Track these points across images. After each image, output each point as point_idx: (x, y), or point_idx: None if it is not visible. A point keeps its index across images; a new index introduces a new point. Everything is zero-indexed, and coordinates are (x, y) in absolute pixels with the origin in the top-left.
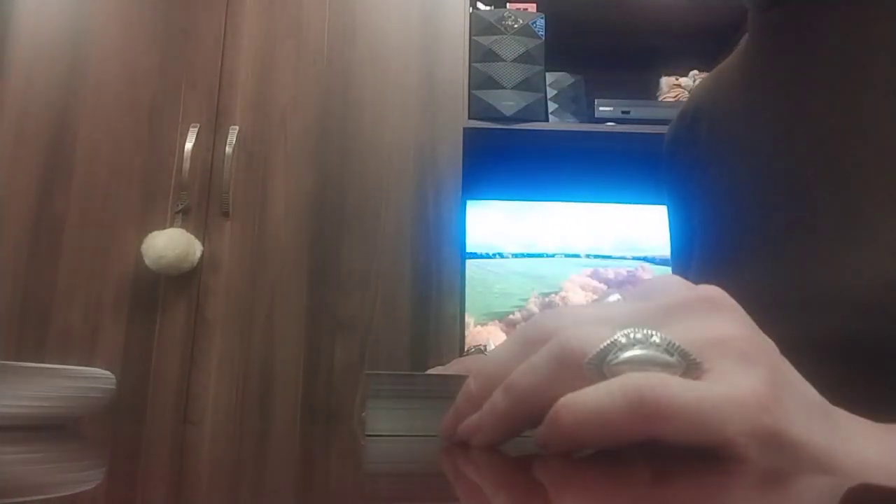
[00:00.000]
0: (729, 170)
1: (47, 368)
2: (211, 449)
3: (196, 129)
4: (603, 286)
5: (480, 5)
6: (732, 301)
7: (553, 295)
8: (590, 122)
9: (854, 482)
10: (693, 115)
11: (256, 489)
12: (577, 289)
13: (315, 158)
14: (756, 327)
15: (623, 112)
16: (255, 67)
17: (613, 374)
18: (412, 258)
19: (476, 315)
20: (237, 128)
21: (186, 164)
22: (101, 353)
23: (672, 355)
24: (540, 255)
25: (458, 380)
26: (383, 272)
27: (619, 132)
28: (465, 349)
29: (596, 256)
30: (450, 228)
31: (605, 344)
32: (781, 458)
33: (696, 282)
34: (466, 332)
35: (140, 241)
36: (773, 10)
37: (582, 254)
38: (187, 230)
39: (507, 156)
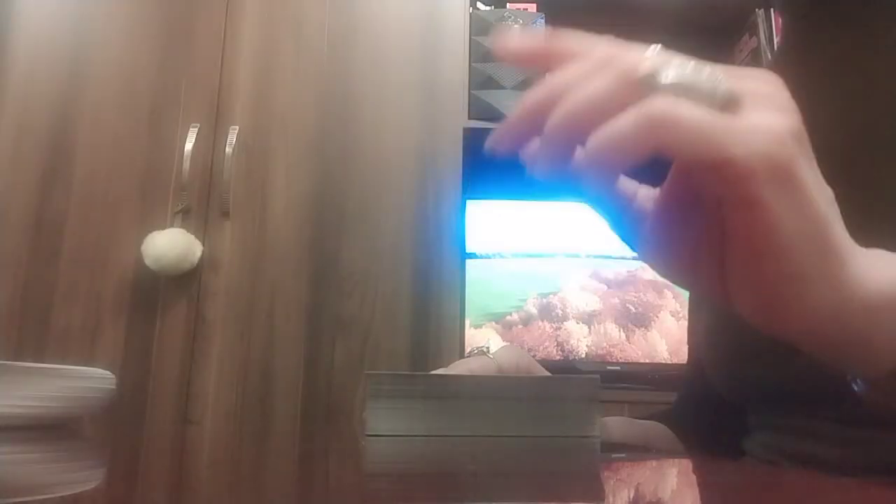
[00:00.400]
0: None
1: (47, 368)
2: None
3: (196, 129)
4: (601, 286)
5: (480, 5)
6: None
7: (552, 295)
8: None
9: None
10: None
11: (256, 489)
12: (577, 289)
13: (315, 158)
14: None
15: None
16: (255, 67)
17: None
18: (412, 258)
19: (472, 317)
20: (237, 128)
21: (186, 164)
22: (101, 353)
23: (715, 85)
24: (539, 255)
25: (458, 380)
26: (383, 272)
27: None
28: (467, 351)
29: (596, 256)
30: (450, 228)
31: (660, 62)
32: (783, 200)
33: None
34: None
35: (140, 241)
36: (802, 20)
37: (582, 254)
38: (187, 230)
39: (507, 156)
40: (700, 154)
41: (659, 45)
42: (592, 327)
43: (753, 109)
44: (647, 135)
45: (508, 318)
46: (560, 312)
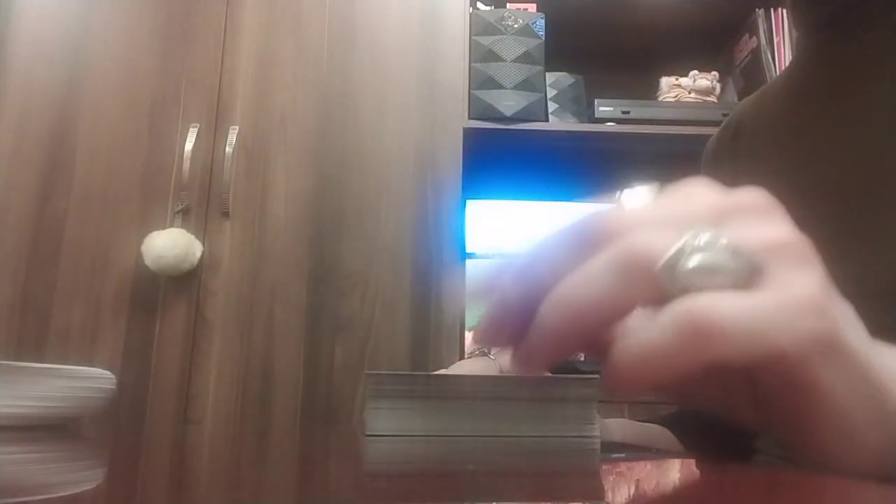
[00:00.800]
0: (776, 180)
1: (47, 368)
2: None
3: (196, 129)
4: None
5: (480, 5)
6: (779, 204)
7: None
8: (590, 122)
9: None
10: (735, 129)
11: (256, 489)
12: None
13: (315, 158)
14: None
15: (623, 112)
16: (255, 67)
17: (683, 283)
18: (412, 258)
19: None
20: (237, 128)
21: (186, 164)
22: (101, 353)
23: (738, 260)
24: None
25: (458, 380)
26: (383, 272)
27: (619, 132)
28: (468, 353)
29: None
30: (450, 228)
31: (675, 249)
32: (834, 367)
33: None
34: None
35: (140, 241)
36: (821, 33)
37: None
38: (187, 230)
39: (507, 156)
40: (753, 354)
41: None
42: None
43: (778, 273)
44: (695, 347)
45: None
46: None
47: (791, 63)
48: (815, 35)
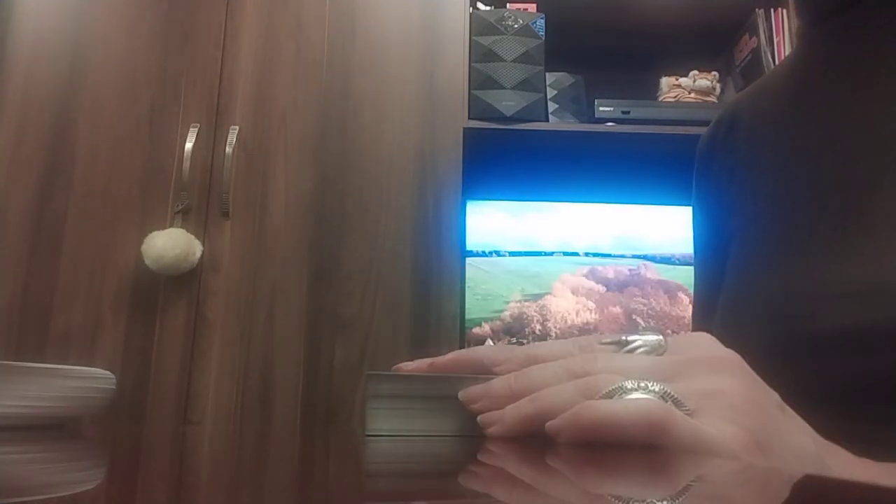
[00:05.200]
0: (775, 173)
1: (47, 368)
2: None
3: (196, 129)
4: (599, 287)
5: (480, 5)
6: (743, 364)
7: (545, 296)
8: (590, 122)
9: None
10: (730, 123)
11: (256, 489)
12: (567, 291)
13: (315, 158)
14: (758, 385)
15: (623, 112)
16: (255, 67)
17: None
18: (412, 258)
19: (471, 316)
20: (237, 128)
21: (186, 164)
22: (101, 353)
23: (666, 401)
24: (538, 254)
25: (458, 380)
26: (383, 272)
27: (619, 132)
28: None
29: (595, 255)
30: (450, 228)
31: (614, 386)
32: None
33: (736, 281)
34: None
35: (140, 241)
36: (826, 22)
37: (581, 252)
38: (187, 230)
39: (507, 156)
40: (691, 449)
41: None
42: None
43: (710, 415)
44: (647, 432)
45: (497, 322)
46: (540, 329)
47: (792, 54)
48: (821, 24)
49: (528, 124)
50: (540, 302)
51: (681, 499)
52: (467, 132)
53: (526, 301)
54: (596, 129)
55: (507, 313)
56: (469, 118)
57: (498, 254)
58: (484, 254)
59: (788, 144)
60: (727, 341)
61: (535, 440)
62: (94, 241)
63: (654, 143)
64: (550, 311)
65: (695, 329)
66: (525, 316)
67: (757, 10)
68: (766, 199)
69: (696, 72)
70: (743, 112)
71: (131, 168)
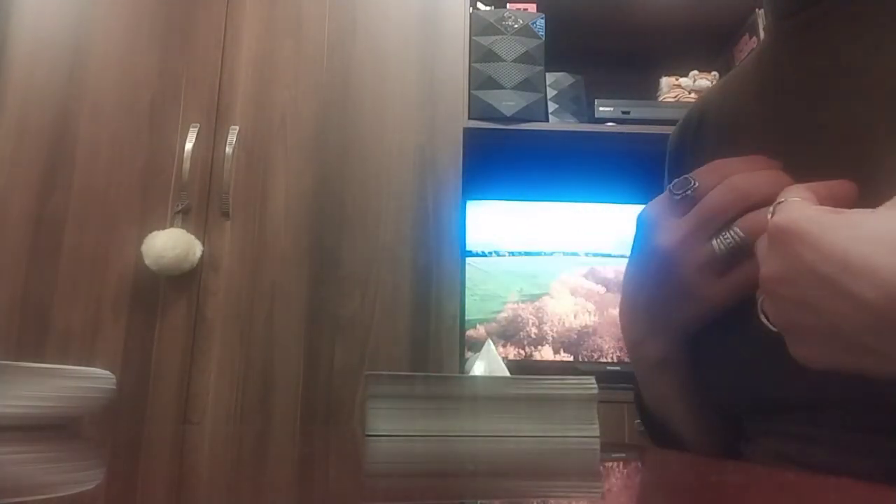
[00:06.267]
0: None
1: (47, 368)
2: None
3: (196, 129)
4: (599, 287)
5: (480, 5)
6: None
7: (543, 297)
8: (590, 122)
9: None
10: (698, 121)
11: (256, 489)
12: (565, 291)
13: (315, 158)
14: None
15: (623, 112)
16: (255, 67)
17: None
18: (412, 258)
19: (471, 316)
20: (237, 128)
21: (186, 164)
22: (101, 353)
23: None
24: (538, 254)
25: (458, 380)
26: (383, 272)
27: (619, 132)
28: (467, 352)
29: (595, 255)
30: (450, 228)
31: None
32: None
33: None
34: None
35: (140, 241)
36: (794, 17)
37: (581, 252)
38: (187, 230)
39: (507, 156)
40: None
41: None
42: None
43: None
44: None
45: (493, 323)
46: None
47: (759, 50)
48: (790, 19)
49: (528, 124)
50: (536, 303)
51: None
52: (467, 132)
53: (523, 302)
54: (596, 129)
55: (503, 315)
56: (469, 118)
57: (497, 254)
58: (483, 254)
59: (754, 144)
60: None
61: None
62: (94, 241)
63: (654, 143)
64: (547, 314)
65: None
66: (520, 318)
67: (757, 10)
68: None
69: (696, 72)
70: (710, 109)
71: (131, 168)
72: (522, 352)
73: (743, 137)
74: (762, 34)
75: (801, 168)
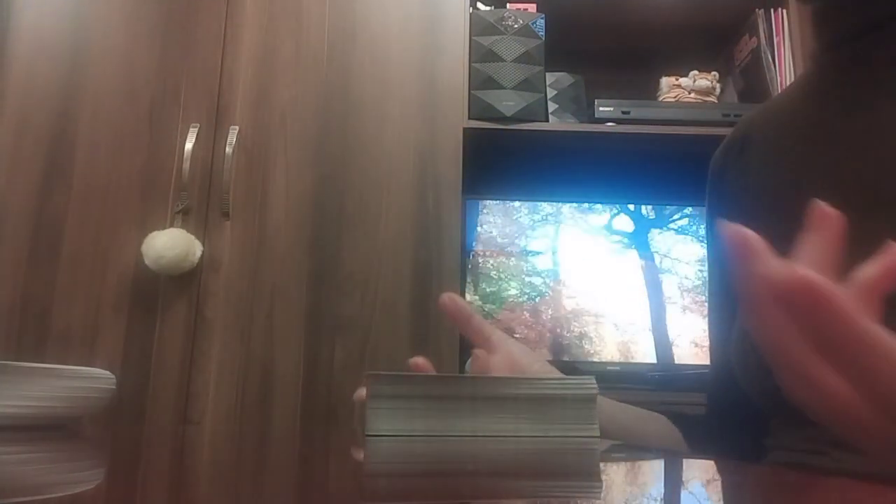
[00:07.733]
0: (789, 196)
1: (47, 368)
2: (211, 449)
3: (196, 129)
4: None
5: (480, 5)
6: None
7: (543, 297)
8: (590, 122)
9: None
10: (742, 144)
11: (256, 489)
12: (565, 290)
13: (315, 158)
14: None
15: (623, 112)
16: (255, 67)
17: None
18: (412, 258)
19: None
20: (237, 128)
21: (186, 164)
22: (101, 353)
23: None
24: (537, 254)
25: (458, 380)
26: (383, 272)
27: (619, 132)
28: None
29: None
30: (450, 228)
31: None
32: None
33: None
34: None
35: (140, 241)
36: (844, 46)
37: (580, 252)
38: (187, 230)
39: (507, 156)
40: None
41: None
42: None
43: None
44: None
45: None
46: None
47: (805, 76)
48: (836, 50)
49: (528, 124)
50: (534, 304)
51: None
52: (467, 132)
53: (523, 302)
54: (596, 129)
55: (503, 315)
56: (469, 118)
57: (497, 254)
58: (483, 254)
59: (798, 167)
60: (743, 372)
61: None
62: (94, 240)
63: (654, 143)
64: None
65: (713, 360)
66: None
67: (757, 10)
68: (779, 224)
69: (696, 72)
70: (755, 133)
71: (131, 168)
72: None
73: (788, 160)
74: (762, 34)
75: (844, 190)
